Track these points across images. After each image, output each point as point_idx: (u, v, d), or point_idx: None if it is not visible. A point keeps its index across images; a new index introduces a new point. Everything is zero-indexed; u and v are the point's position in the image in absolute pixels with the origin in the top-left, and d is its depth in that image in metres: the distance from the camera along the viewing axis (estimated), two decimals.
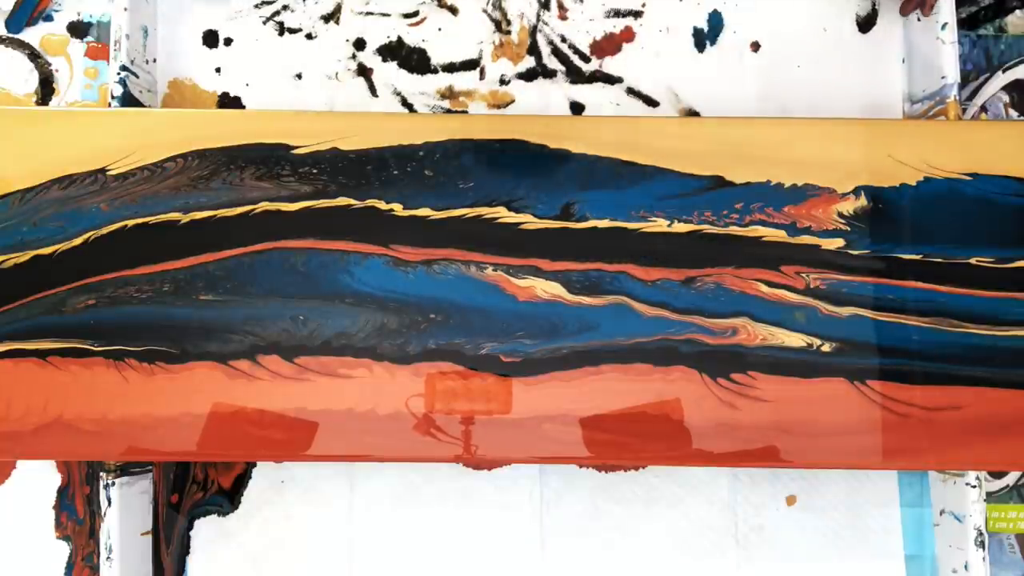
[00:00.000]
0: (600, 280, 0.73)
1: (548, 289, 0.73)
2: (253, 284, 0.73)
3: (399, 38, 0.90)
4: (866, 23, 0.88)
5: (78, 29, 0.90)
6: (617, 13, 0.89)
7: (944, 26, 0.80)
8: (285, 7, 0.89)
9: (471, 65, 0.89)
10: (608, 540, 0.84)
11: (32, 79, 0.89)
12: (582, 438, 0.72)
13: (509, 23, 0.90)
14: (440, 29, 0.90)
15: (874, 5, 0.88)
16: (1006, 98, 0.88)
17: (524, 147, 0.74)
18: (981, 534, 0.77)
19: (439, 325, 0.73)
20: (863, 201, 0.74)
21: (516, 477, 0.85)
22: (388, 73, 0.89)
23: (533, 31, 0.89)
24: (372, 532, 0.84)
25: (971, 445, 0.72)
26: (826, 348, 0.72)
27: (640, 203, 0.74)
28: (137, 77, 0.83)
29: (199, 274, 0.73)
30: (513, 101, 0.89)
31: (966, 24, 0.89)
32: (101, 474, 0.78)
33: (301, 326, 0.72)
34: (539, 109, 0.88)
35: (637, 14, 0.89)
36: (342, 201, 0.74)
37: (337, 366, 0.72)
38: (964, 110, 0.87)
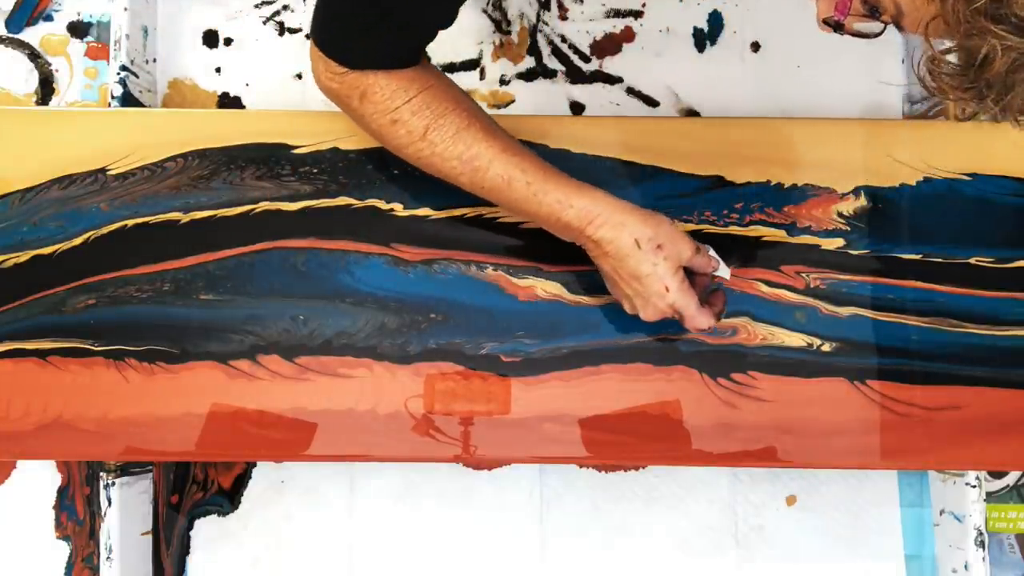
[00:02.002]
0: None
1: (548, 289, 0.73)
2: (253, 284, 0.73)
3: None
4: None
5: (78, 29, 0.90)
6: (617, 13, 0.89)
7: None
8: (285, 7, 0.89)
9: (471, 65, 0.89)
10: (608, 540, 0.84)
11: (32, 79, 0.89)
12: (582, 438, 0.72)
13: (509, 23, 0.90)
14: None
15: None
16: None
17: None
18: (981, 534, 0.77)
19: (439, 325, 0.73)
20: (863, 201, 0.74)
21: (516, 477, 0.84)
22: None
23: (533, 31, 0.89)
24: (372, 532, 0.84)
25: (971, 445, 0.72)
26: (826, 348, 0.72)
27: (640, 203, 0.74)
28: (137, 77, 0.83)
29: (199, 274, 0.73)
30: (513, 101, 0.89)
31: None
32: (101, 474, 0.78)
33: (301, 326, 0.72)
34: (539, 109, 0.88)
35: (637, 14, 0.89)
36: (342, 201, 0.74)
37: (337, 366, 0.72)
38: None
